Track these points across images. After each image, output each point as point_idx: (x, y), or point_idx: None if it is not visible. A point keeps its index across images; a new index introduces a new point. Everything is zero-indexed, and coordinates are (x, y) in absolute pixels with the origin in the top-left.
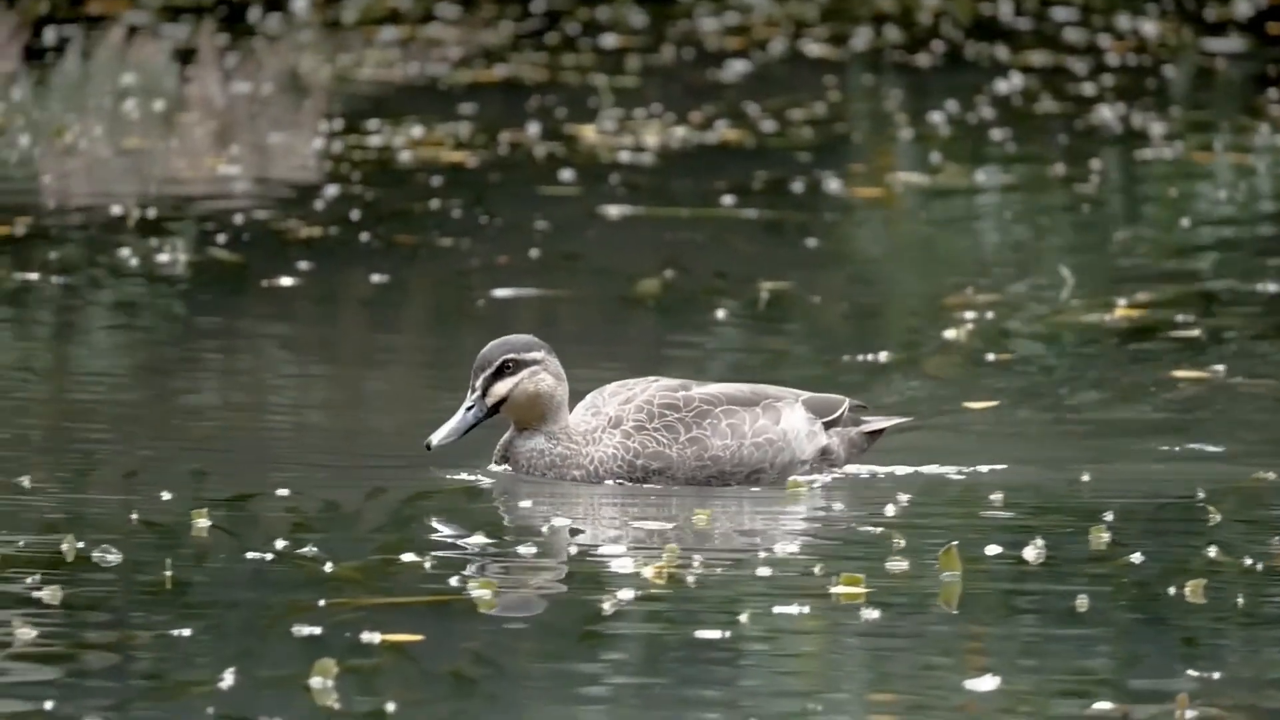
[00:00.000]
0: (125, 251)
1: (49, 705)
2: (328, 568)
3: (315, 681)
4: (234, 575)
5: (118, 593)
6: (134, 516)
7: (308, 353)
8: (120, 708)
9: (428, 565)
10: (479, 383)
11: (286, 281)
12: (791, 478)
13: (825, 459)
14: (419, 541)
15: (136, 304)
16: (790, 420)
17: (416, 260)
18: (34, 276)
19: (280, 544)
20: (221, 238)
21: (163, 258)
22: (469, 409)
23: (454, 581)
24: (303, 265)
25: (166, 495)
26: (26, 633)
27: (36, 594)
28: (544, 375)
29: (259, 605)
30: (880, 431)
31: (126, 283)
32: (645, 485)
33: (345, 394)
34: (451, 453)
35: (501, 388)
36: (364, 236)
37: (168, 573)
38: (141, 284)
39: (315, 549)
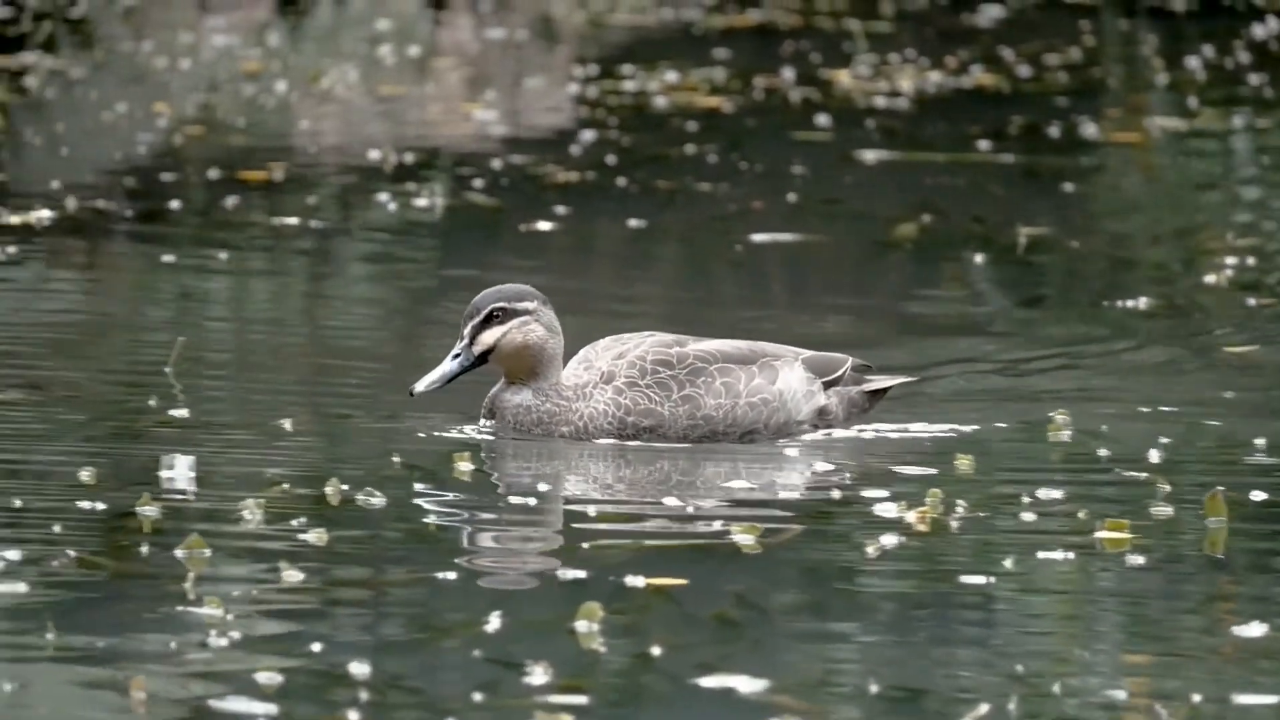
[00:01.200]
0: (383, 197)
1: (315, 648)
2: (590, 511)
3: (580, 625)
4: (496, 519)
5: (382, 535)
6: (396, 460)
7: (563, 296)
8: (384, 650)
9: (690, 510)
10: (467, 330)
11: (543, 226)
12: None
13: (823, 419)
14: (682, 486)
15: (393, 250)
16: (787, 379)
17: (673, 205)
18: (292, 221)
19: (542, 487)
20: (478, 183)
21: (420, 203)
22: (455, 356)
23: (717, 526)
24: (559, 210)
25: (422, 436)
26: (293, 575)
27: (302, 537)
28: (534, 326)
29: (522, 549)
30: (883, 391)
31: (383, 228)
32: (636, 442)
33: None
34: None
35: (489, 336)
36: (620, 181)
37: (430, 516)
38: (398, 229)
39: (577, 493)
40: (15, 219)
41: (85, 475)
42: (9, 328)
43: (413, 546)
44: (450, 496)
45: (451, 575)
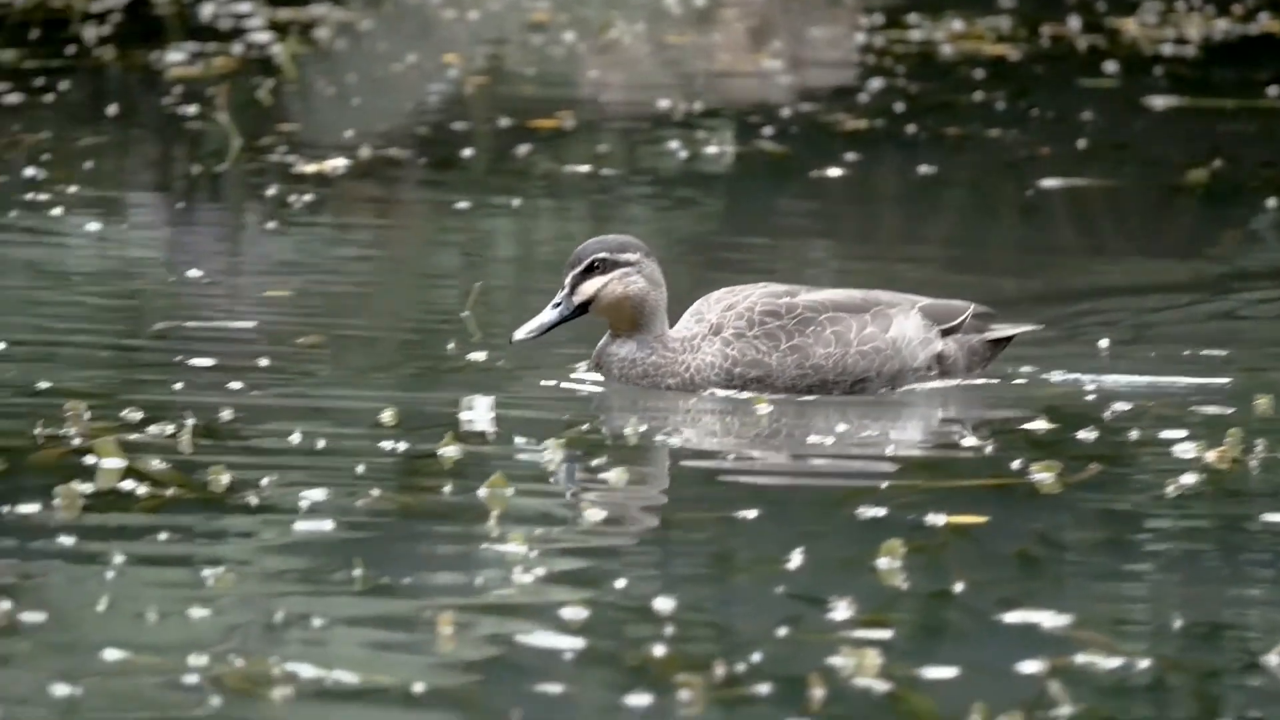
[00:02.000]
0: (672, 144)
1: (619, 584)
2: (889, 451)
3: (882, 562)
4: (797, 458)
5: (680, 474)
6: (691, 402)
7: (850, 243)
8: (686, 585)
9: (989, 450)
10: (568, 280)
11: (833, 173)
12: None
13: (941, 366)
14: (980, 426)
15: (682, 197)
16: (901, 327)
17: (962, 152)
18: (582, 169)
19: (840, 428)
20: (767, 130)
21: (709, 150)
22: (555, 306)
23: (1015, 465)
24: (849, 157)
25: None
26: (595, 514)
27: (603, 476)
28: (636, 278)
29: (822, 488)
30: (1006, 340)
31: (672, 175)
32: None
33: (882, 283)
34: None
35: (589, 287)
36: (909, 129)
37: (729, 458)
38: (687, 177)
39: (872, 434)
40: (309, 168)
41: (387, 416)
42: (306, 274)
43: (711, 486)
44: (748, 438)
45: (751, 513)
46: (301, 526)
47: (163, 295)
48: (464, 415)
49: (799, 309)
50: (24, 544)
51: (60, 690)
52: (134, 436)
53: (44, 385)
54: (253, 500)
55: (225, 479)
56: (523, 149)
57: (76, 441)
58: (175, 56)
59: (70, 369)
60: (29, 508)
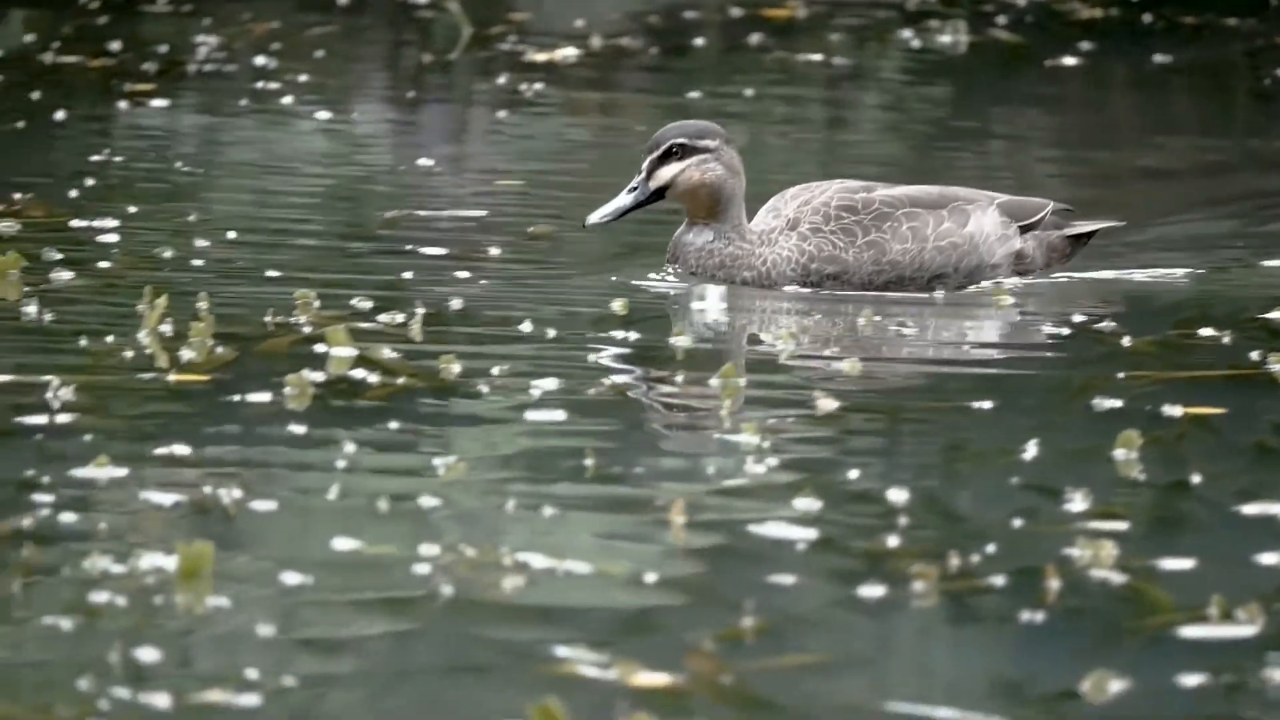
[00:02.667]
0: (905, 34)
1: (851, 474)
2: (1125, 342)
3: (1118, 453)
4: (1029, 348)
5: (913, 365)
6: (936, 295)
7: (1083, 132)
8: (920, 476)
9: (1225, 340)
10: (645, 164)
11: (1069, 62)
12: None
13: (1019, 263)
14: (1217, 318)
15: (915, 86)
16: (979, 223)
17: (1199, 41)
18: (815, 58)
19: (1077, 318)
20: (1001, 19)
21: (943, 40)
22: (631, 190)
23: (1254, 355)
24: (1084, 46)
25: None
26: (828, 403)
27: (836, 366)
28: (714, 165)
29: (1058, 379)
30: (1088, 237)
31: (905, 65)
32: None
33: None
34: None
35: (666, 172)
36: (1146, 18)
37: (964, 347)
38: (921, 66)
39: (1112, 324)
40: (540, 57)
41: (617, 306)
42: (536, 164)
43: (944, 376)
44: (986, 326)
45: (985, 404)
46: (532, 415)
47: (392, 184)
48: (695, 305)
49: (875, 204)
50: (254, 432)
51: (290, 578)
52: (364, 325)
53: (274, 274)
54: (483, 389)
55: (456, 368)
56: (754, 38)
57: (307, 330)
58: None
59: (300, 257)
60: (259, 396)
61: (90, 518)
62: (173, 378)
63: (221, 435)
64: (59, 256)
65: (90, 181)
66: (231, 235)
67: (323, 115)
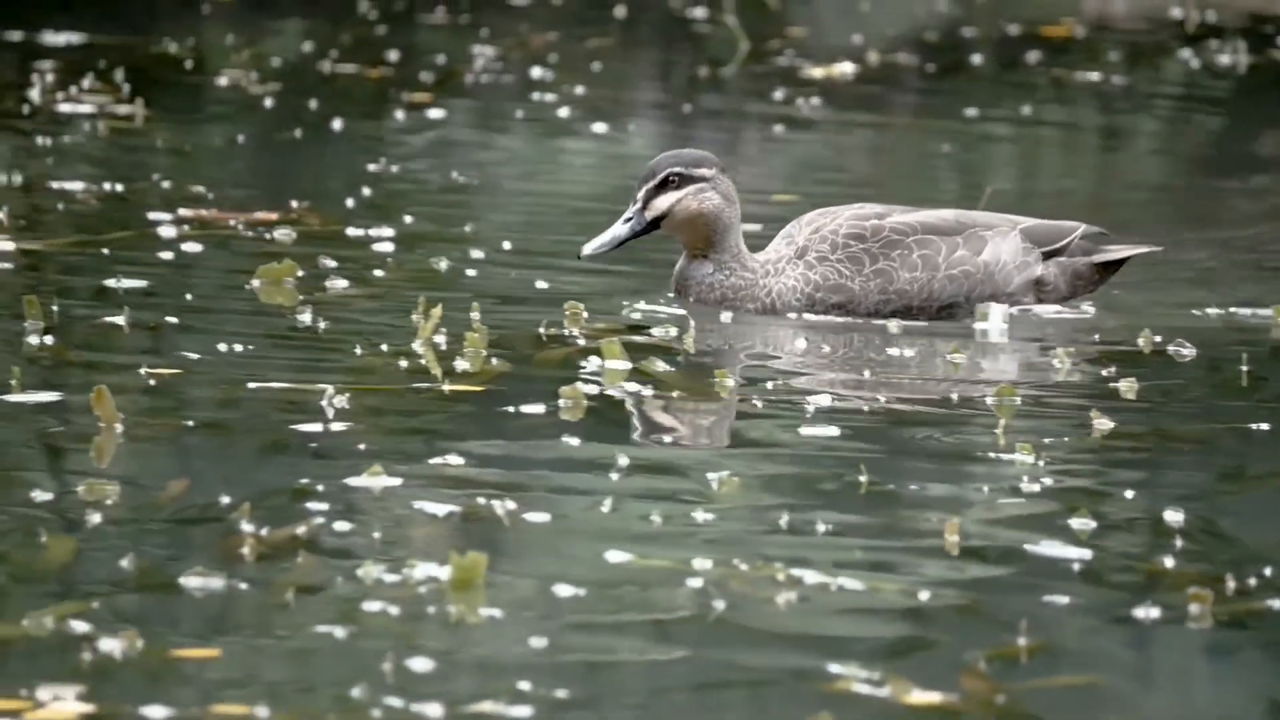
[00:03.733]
0: (1183, 54)
1: (1128, 494)
2: None
3: None
4: None
5: (1193, 386)
6: (1208, 310)
7: None
8: (1199, 498)
9: None
10: (640, 194)
11: None
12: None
13: (1040, 290)
14: None
15: (1191, 106)
16: (995, 250)
17: None
18: (1092, 77)
19: None
20: None
21: (1223, 60)
22: (626, 220)
23: None
24: None
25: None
26: (1104, 423)
27: (1113, 386)
28: (711, 194)
29: None
30: (1119, 263)
31: (1183, 85)
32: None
33: None
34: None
35: (662, 202)
36: None
37: (1244, 368)
38: (1198, 87)
39: None
40: (817, 72)
41: (893, 325)
42: (812, 178)
43: (1225, 398)
44: (1263, 351)
45: (1264, 426)
46: (806, 432)
47: None
48: (977, 323)
49: (885, 231)
50: (528, 444)
51: (562, 591)
52: (638, 338)
53: (543, 285)
54: (757, 404)
55: (729, 383)
56: (1031, 56)
57: (581, 342)
58: None
59: (572, 269)
60: (533, 408)
61: (363, 527)
62: (447, 388)
63: (495, 446)
64: (334, 265)
65: (366, 191)
66: (506, 246)
67: (598, 128)
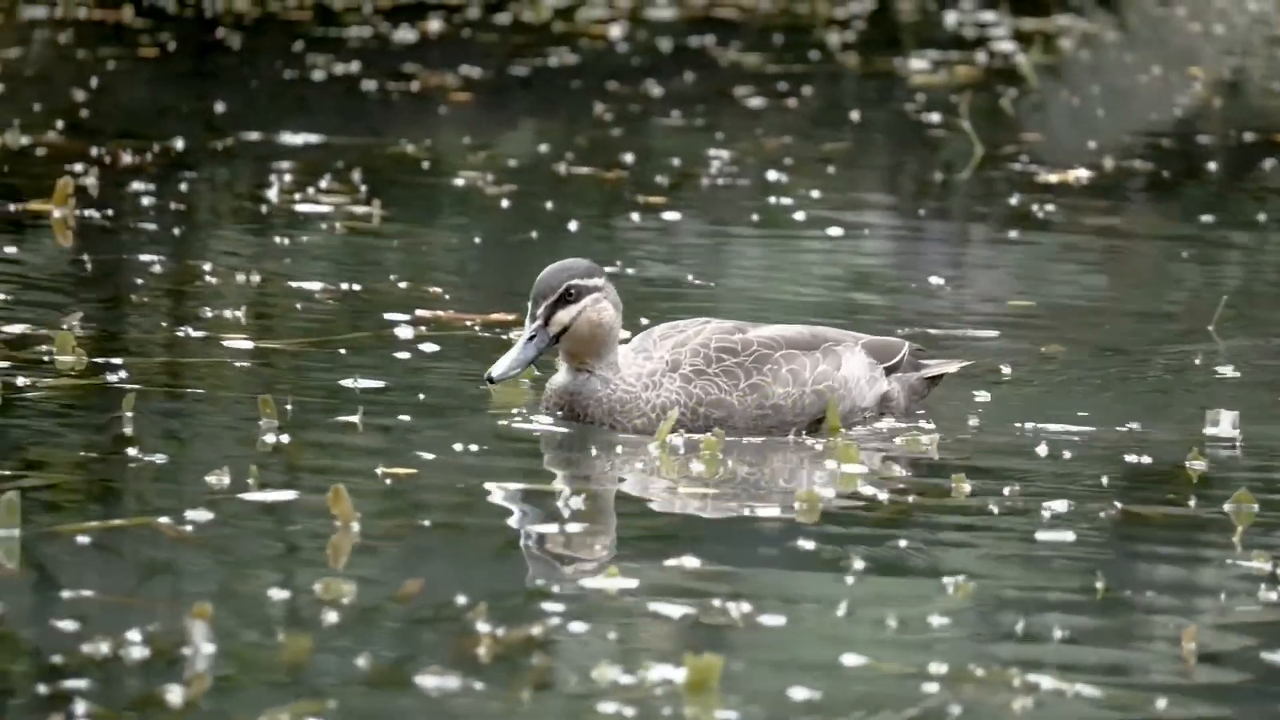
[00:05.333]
0: None
1: None
2: None
3: None
4: None
5: None
6: None
7: None
8: None
9: None
10: (541, 311)
11: None
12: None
13: (886, 405)
14: None
15: None
16: (850, 365)
17: None
18: None
19: None
20: None
21: None
22: (530, 339)
23: None
24: None
25: None
26: None
27: None
28: (605, 304)
29: None
30: (940, 377)
31: None
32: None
33: None
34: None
35: (565, 316)
36: None
37: None
38: None
39: None
40: (1052, 178)
41: (1135, 427)
42: (1048, 284)
43: None
44: None
45: None
46: (1043, 536)
47: (904, 301)
48: (1209, 429)
49: (754, 346)
50: (763, 545)
51: (799, 693)
52: (874, 441)
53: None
54: (994, 509)
55: (967, 487)
56: (1268, 163)
57: (817, 445)
58: (918, 64)
59: None
60: (769, 510)
61: (598, 628)
62: (682, 490)
63: (730, 548)
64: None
65: None
66: None
67: (833, 231)
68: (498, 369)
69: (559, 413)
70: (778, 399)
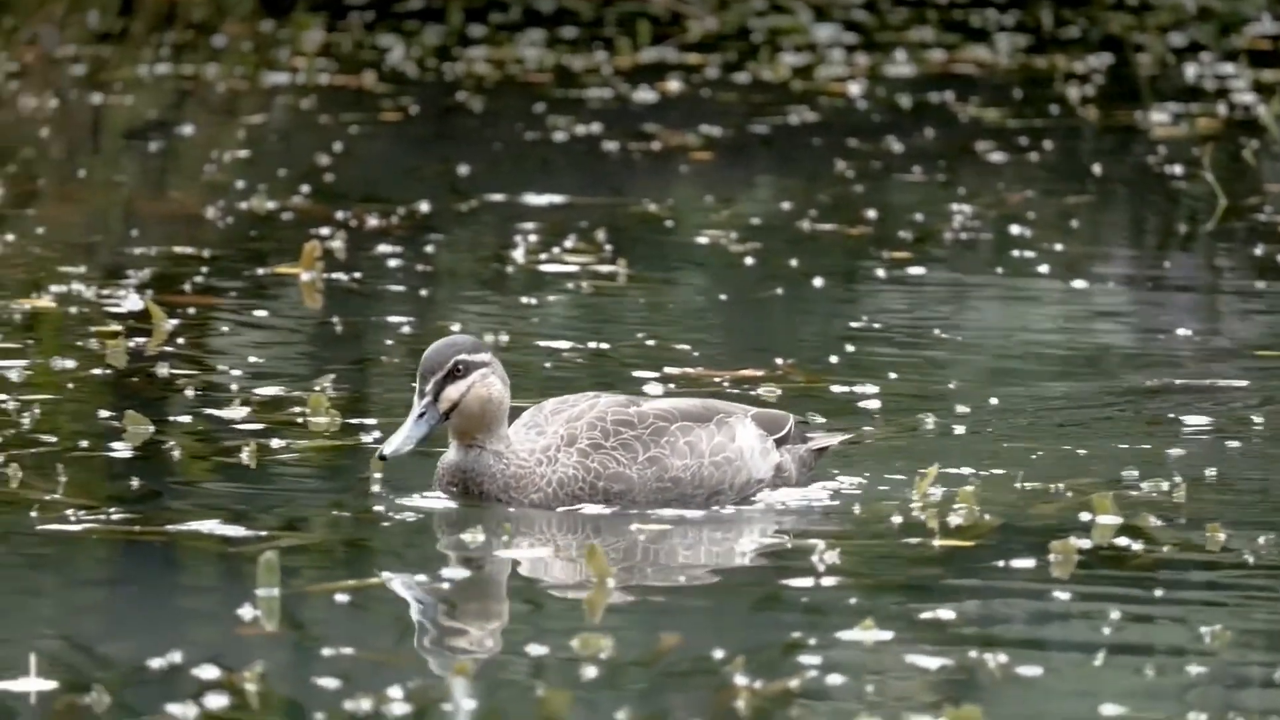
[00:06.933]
0: None
1: None
2: None
3: None
4: None
5: None
6: None
7: None
8: None
9: None
10: (429, 387)
11: None
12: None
13: (779, 477)
14: None
15: None
16: (744, 437)
17: None
18: None
19: None
20: None
21: None
22: (420, 416)
23: None
24: None
25: None
26: None
27: None
28: (493, 379)
29: None
30: (825, 449)
31: None
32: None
33: None
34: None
35: (454, 392)
36: None
37: None
38: None
39: None
40: None
41: None
42: None
43: None
44: None
45: None
46: None
47: (1152, 348)
48: None
49: (650, 419)
50: (1019, 597)
51: None
52: (1130, 492)
53: (1035, 448)
54: (1248, 559)
55: (1220, 537)
56: None
57: (1069, 496)
58: (1159, 116)
59: (1065, 423)
60: (1024, 562)
61: (856, 680)
62: (938, 543)
63: (985, 600)
64: (821, 420)
65: (849, 347)
66: (994, 402)
67: (1078, 283)
68: (389, 446)
69: (452, 489)
70: (677, 471)
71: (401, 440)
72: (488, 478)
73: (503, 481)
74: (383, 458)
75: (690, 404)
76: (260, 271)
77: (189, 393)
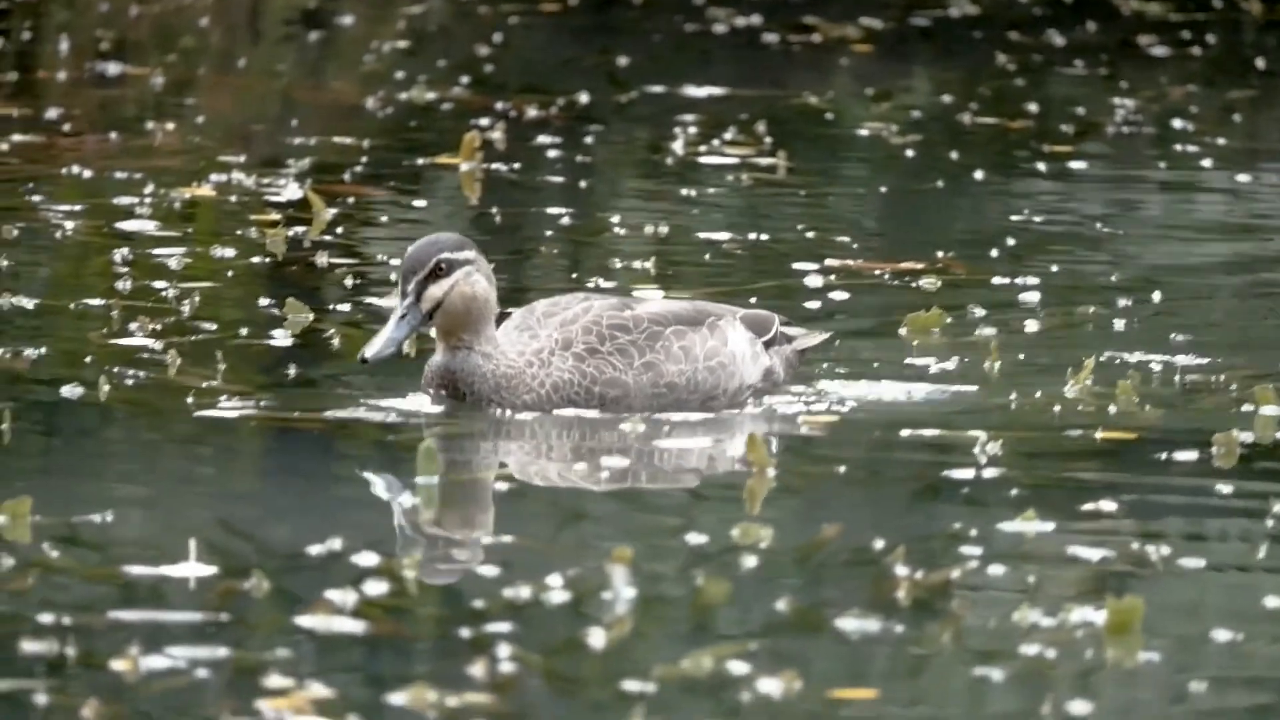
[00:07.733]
0: None
1: None
2: None
3: None
4: None
5: None
6: None
7: None
8: None
9: None
10: (411, 287)
11: None
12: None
13: (769, 380)
14: None
15: None
16: (735, 341)
17: None
18: None
19: None
20: None
21: None
22: (402, 316)
23: None
24: None
25: None
26: None
27: None
28: (478, 276)
29: None
30: (808, 349)
31: None
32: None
33: None
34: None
35: (437, 290)
36: None
37: None
38: None
39: None
40: None
41: None
42: None
43: None
44: None
45: None
46: None
47: None
48: None
49: (644, 322)
50: (1182, 489)
51: (1220, 635)
52: None
53: (1181, 337)
54: None
55: None
56: None
57: (1233, 389)
58: None
59: (1214, 317)
60: (1187, 454)
61: (1018, 571)
62: (1099, 435)
63: (1147, 492)
64: (982, 314)
65: (1010, 241)
66: (1156, 297)
67: (1240, 178)
68: (370, 349)
69: (442, 392)
70: (672, 376)
71: (384, 343)
72: (478, 378)
73: (494, 382)
74: (364, 360)
75: (682, 306)
76: (419, 162)
77: (348, 282)
